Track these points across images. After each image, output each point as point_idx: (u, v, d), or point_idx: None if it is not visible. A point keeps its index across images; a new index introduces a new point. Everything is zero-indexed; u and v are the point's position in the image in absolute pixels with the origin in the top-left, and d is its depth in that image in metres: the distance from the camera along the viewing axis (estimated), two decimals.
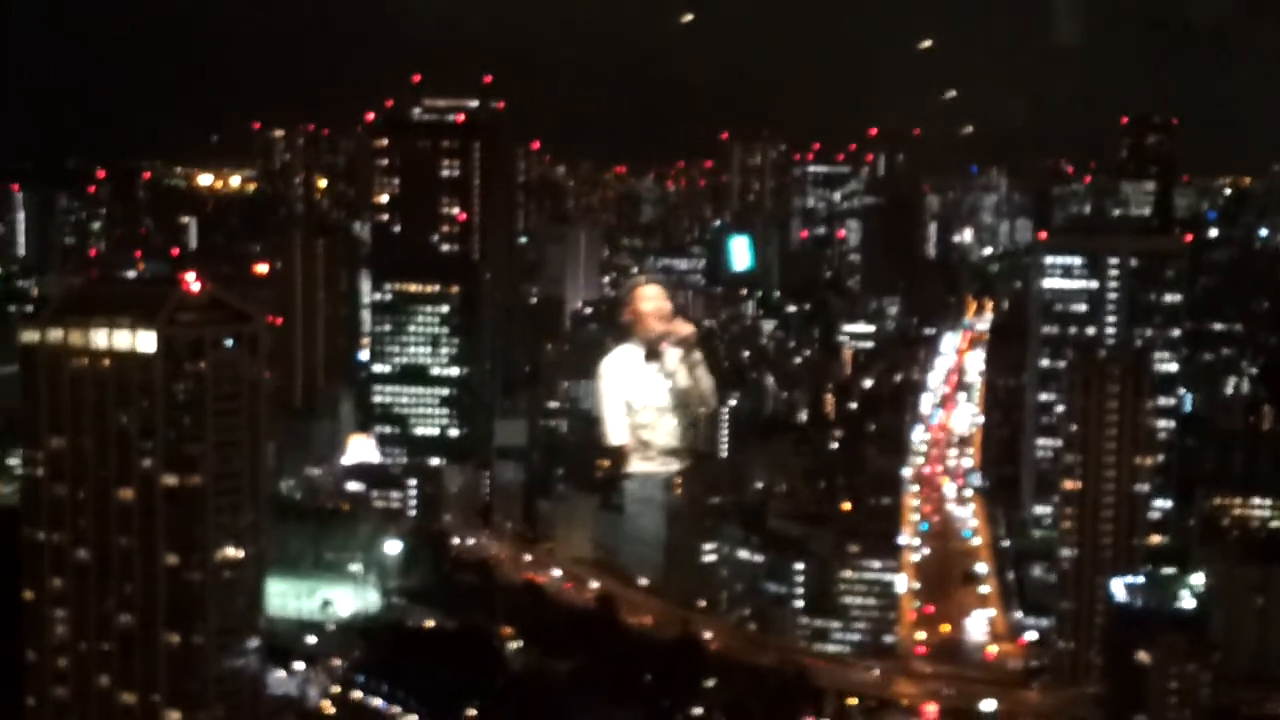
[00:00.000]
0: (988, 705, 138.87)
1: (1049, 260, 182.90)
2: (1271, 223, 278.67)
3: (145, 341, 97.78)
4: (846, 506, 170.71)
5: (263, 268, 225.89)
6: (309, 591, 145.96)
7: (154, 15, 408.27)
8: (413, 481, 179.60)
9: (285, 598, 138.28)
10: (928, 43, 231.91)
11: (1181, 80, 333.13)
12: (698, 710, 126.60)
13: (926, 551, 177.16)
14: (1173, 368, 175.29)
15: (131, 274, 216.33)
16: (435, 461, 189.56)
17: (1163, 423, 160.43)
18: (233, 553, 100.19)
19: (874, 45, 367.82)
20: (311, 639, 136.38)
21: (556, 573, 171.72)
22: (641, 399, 29.01)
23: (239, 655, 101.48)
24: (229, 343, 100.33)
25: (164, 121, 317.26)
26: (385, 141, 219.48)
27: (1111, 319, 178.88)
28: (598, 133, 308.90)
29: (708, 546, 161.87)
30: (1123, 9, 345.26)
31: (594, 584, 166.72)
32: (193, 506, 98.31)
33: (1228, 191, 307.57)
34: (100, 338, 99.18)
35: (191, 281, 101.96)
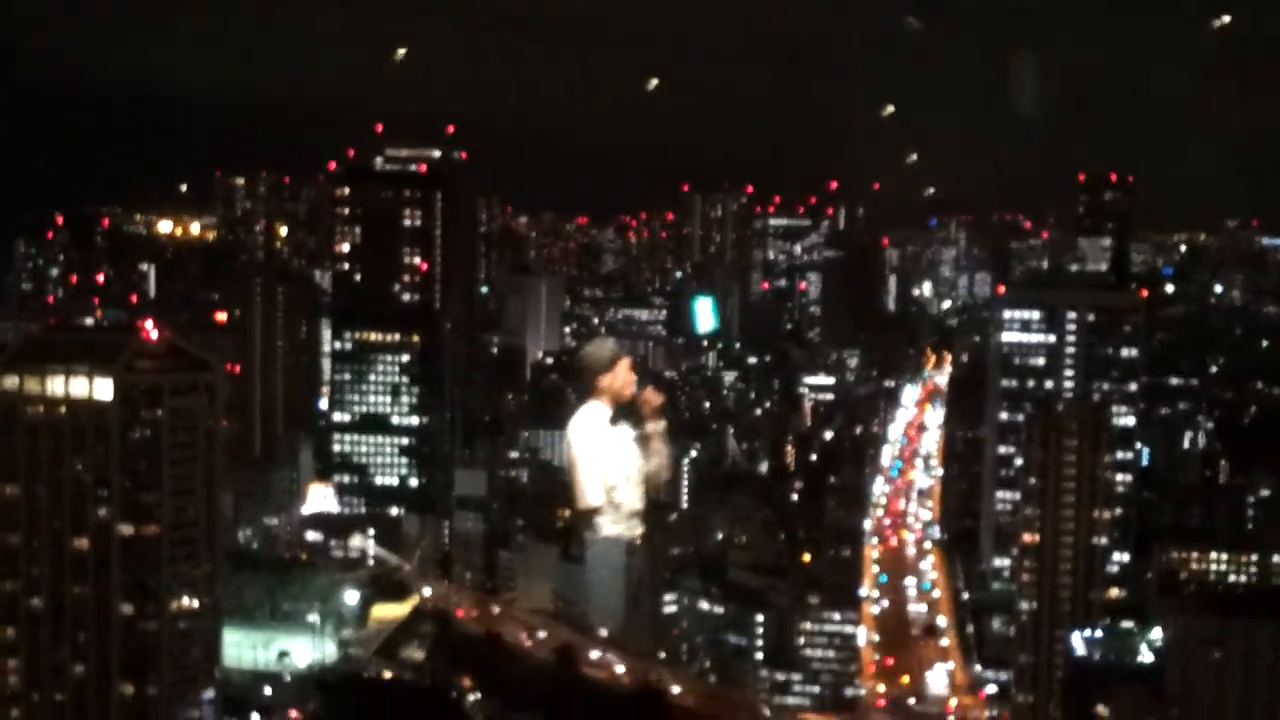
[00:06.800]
0: None
1: (1007, 314, 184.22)
2: (1226, 279, 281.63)
3: (102, 389, 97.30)
4: (807, 558, 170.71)
5: (222, 315, 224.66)
6: (265, 642, 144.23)
7: (116, 67, 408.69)
8: (371, 531, 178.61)
9: (241, 648, 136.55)
10: (890, 109, 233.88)
11: (1138, 138, 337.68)
12: None
13: (886, 604, 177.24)
14: (1130, 422, 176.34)
15: (89, 321, 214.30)
16: (395, 511, 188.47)
17: (1120, 476, 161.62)
18: (188, 603, 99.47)
19: (837, 104, 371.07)
20: (268, 690, 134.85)
21: (517, 624, 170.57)
22: (610, 460, 28.26)
23: (194, 707, 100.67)
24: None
25: (126, 170, 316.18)
26: (347, 190, 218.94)
27: (1069, 373, 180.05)
28: (558, 184, 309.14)
29: (668, 597, 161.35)
30: (1080, 70, 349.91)
31: (554, 635, 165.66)
32: (148, 556, 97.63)
33: (1183, 248, 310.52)
34: (57, 385, 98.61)
35: (150, 329, 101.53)
